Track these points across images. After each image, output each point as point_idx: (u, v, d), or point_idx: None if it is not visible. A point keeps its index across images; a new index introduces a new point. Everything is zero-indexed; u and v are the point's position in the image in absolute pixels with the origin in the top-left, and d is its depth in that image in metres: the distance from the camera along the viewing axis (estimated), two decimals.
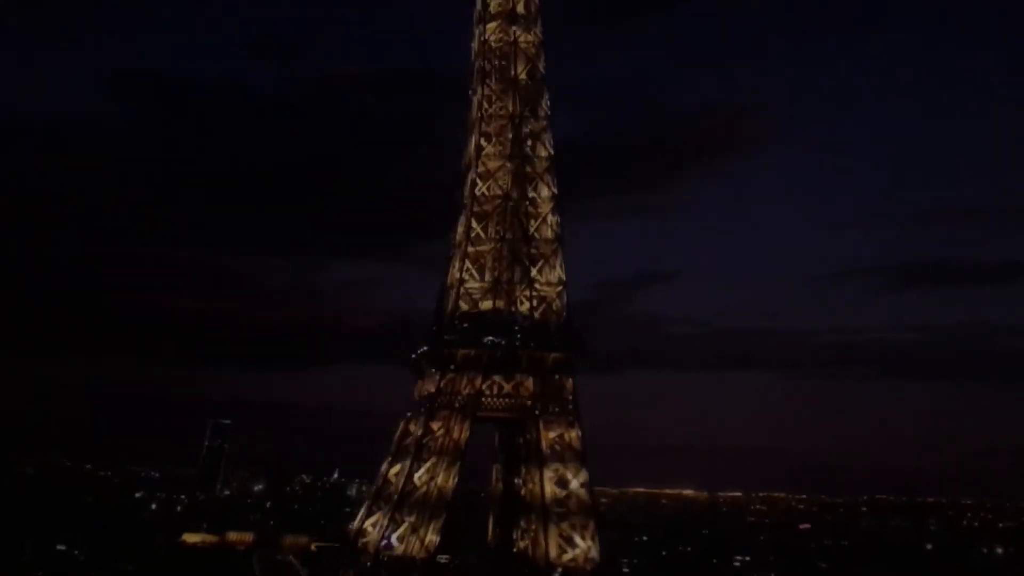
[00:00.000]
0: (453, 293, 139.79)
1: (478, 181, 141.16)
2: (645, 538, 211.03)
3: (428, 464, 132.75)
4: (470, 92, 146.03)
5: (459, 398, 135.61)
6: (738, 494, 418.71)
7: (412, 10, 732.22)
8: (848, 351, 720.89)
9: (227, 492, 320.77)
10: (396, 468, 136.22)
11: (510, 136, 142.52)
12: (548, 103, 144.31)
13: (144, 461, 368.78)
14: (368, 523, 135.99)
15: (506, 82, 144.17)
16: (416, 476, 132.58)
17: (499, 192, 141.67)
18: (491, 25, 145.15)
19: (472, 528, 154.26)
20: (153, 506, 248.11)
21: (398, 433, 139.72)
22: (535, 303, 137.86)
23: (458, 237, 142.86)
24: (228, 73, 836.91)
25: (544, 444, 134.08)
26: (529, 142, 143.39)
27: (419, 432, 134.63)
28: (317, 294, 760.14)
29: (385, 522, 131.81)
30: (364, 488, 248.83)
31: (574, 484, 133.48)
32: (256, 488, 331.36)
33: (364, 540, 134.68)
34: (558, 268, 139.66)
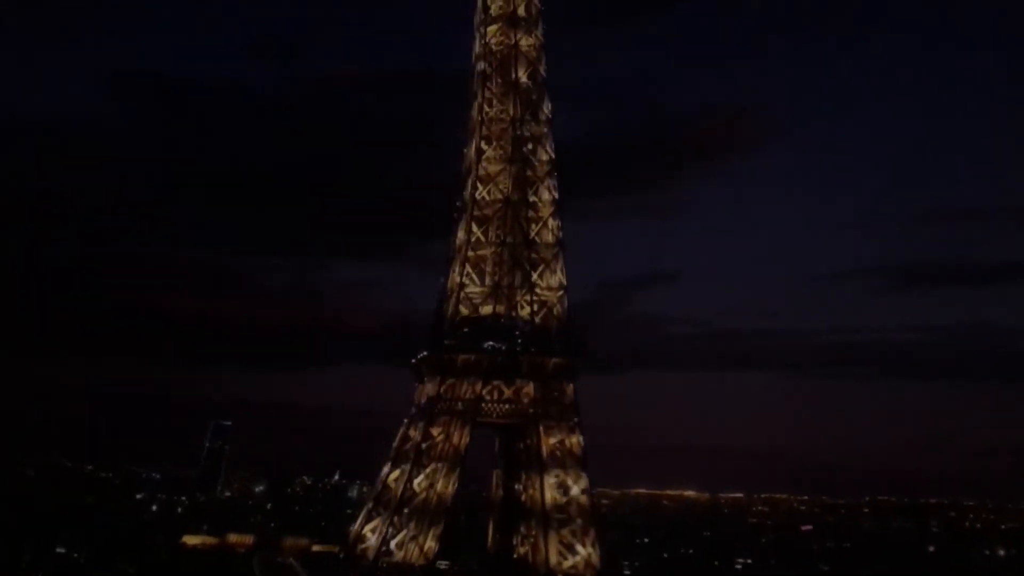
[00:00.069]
0: (453, 297, 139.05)
1: (478, 185, 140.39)
2: (646, 540, 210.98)
3: (428, 470, 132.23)
4: (470, 95, 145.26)
5: (459, 403, 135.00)
6: (740, 495, 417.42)
7: (412, 10, 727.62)
8: (848, 351, 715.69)
9: (228, 493, 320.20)
10: (396, 473, 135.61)
11: (511, 140, 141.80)
12: (549, 106, 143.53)
13: (145, 462, 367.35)
14: (367, 529, 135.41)
15: (507, 85, 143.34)
16: (416, 482, 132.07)
17: (500, 196, 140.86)
18: (492, 28, 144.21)
19: (472, 534, 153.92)
20: (154, 507, 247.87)
21: (398, 438, 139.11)
22: (536, 308, 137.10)
23: (458, 241, 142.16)
24: (228, 73, 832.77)
25: (545, 450, 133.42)
26: (530, 146, 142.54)
27: (419, 437, 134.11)
28: (317, 294, 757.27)
29: (384, 528, 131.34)
30: (365, 490, 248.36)
31: (575, 490, 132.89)
32: (257, 489, 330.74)
33: (363, 546, 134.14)
34: (559, 272, 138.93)
